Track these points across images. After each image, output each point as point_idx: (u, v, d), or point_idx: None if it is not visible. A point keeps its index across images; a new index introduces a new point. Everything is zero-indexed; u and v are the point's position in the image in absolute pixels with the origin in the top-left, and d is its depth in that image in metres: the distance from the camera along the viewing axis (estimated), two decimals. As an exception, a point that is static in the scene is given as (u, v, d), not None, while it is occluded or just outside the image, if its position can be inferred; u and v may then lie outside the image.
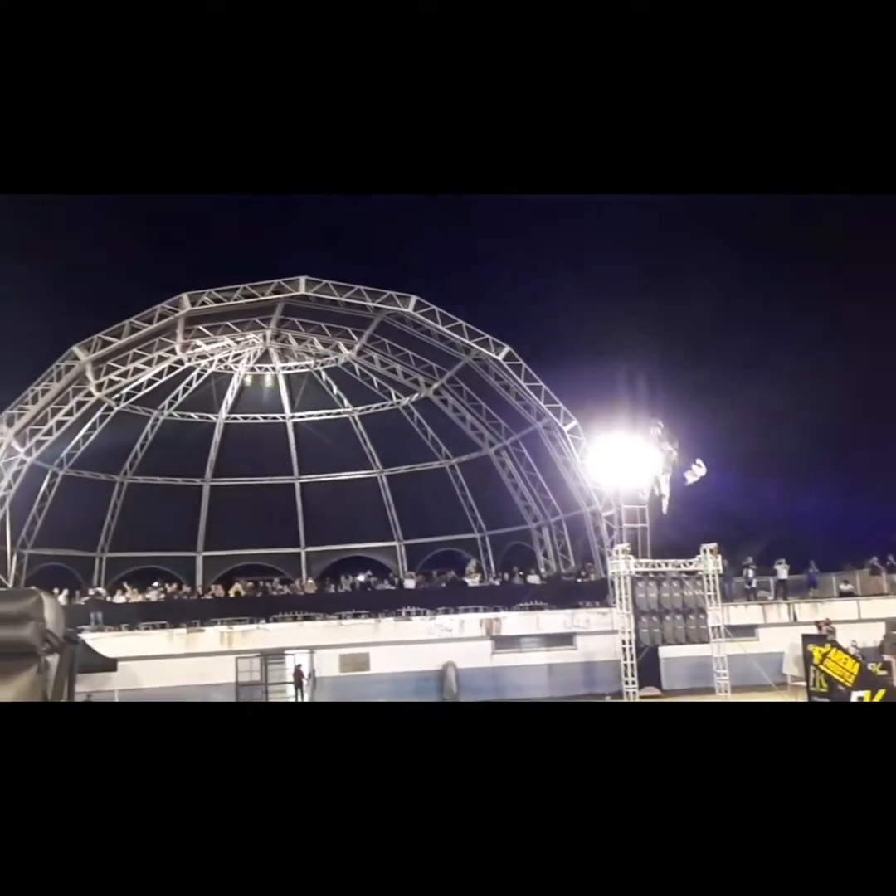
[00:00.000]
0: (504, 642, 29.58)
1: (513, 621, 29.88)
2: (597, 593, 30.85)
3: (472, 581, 34.39)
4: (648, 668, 26.70)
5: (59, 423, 33.16)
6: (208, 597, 34.36)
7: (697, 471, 26.64)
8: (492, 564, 39.50)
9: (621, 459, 28.48)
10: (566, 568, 36.22)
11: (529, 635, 29.78)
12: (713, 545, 26.91)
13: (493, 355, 32.03)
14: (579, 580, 33.53)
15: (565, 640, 29.55)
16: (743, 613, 29.88)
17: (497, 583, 34.82)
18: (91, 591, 33.87)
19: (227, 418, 40.26)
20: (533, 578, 34.28)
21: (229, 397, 39.94)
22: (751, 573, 31.72)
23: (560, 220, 41.36)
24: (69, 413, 33.26)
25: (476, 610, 30.40)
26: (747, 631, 28.79)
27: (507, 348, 31.90)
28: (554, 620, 29.80)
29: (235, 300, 31.33)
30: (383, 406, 39.76)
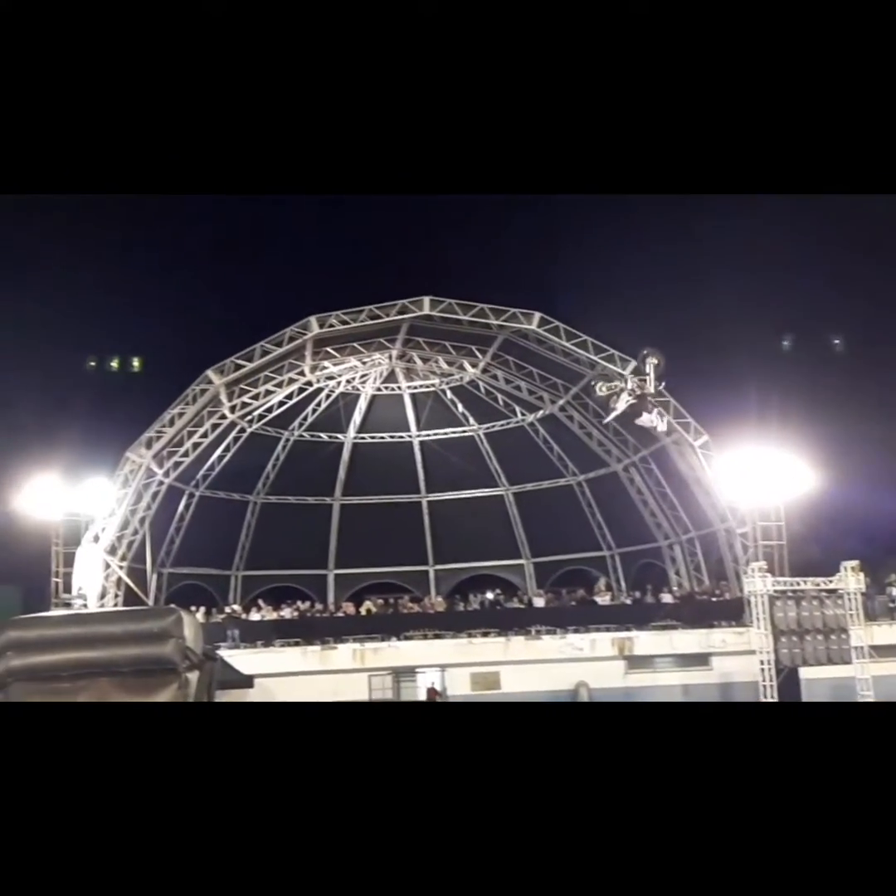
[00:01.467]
0: (637, 662, 29.00)
1: (646, 641, 29.28)
2: (732, 612, 29.99)
3: (603, 599, 33.90)
4: (788, 690, 25.75)
5: (195, 445, 34.15)
6: (340, 614, 34.79)
7: (655, 420, 23.98)
8: (622, 583, 38.84)
9: (755, 474, 27.64)
10: (700, 586, 35.33)
11: (663, 655, 29.14)
12: (855, 562, 25.87)
13: (620, 371, 31.58)
14: (714, 599, 32.68)
15: (701, 660, 28.79)
16: (888, 633, 28.57)
17: (628, 601, 34.24)
18: (227, 609, 34.72)
19: (355, 437, 40.80)
20: (666, 597, 33.56)
21: (357, 417, 40.48)
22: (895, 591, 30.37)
23: (671, 223, 40.46)
24: (204, 435, 34.22)
25: (607, 629, 29.93)
26: (892, 651, 27.53)
27: (633, 363, 31.41)
28: (688, 640, 29.09)
29: (361, 322, 31.76)
30: (508, 423, 39.66)
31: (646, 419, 22.61)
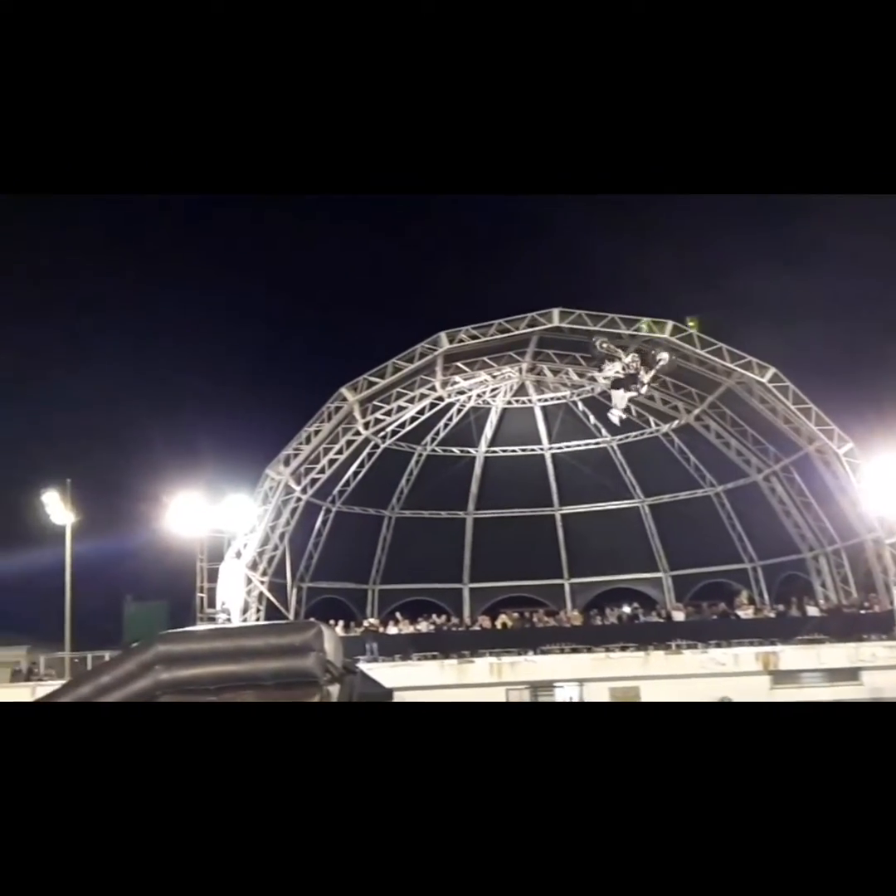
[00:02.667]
0: (783, 677, 28.06)
1: (791, 655, 28.32)
2: (883, 626, 28.76)
3: (745, 613, 32.95)
4: (946, 706, 24.49)
5: (331, 462, 34.77)
6: (476, 628, 34.82)
7: (620, 403, 22.52)
8: (765, 595, 37.68)
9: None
10: (847, 599, 33.97)
11: (810, 670, 28.12)
12: None
13: (758, 378, 30.74)
14: (862, 611, 31.38)
15: (850, 675, 27.66)
16: None
17: (772, 615, 33.20)
18: (365, 623, 35.18)
19: (486, 451, 40.87)
20: (812, 610, 32.40)
21: (488, 431, 40.55)
22: None
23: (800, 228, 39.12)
24: (340, 451, 34.81)
25: (750, 643, 29.08)
26: None
27: (772, 370, 30.54)
28: (836, 654, 28.01)
29: (491, 336, 31.83)
30: (642, 434, 39.06)
31: (617, 396, 21.79)
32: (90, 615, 44.63)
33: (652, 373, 21.31)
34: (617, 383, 21.49)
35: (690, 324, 27.38)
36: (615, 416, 22.78)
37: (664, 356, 21.63)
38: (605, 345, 21.60)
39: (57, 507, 37.93)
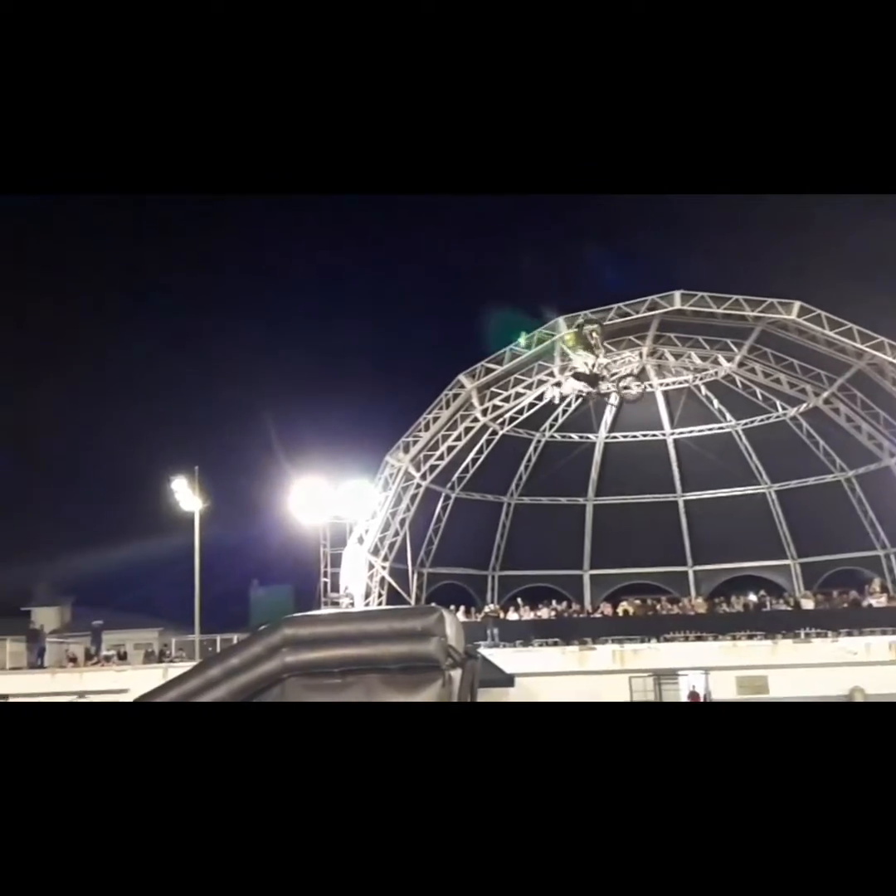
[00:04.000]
0: (919, 668, 27.05)
1: (927, 645, 27.28)
2: None
3: (878, 601, 31.85)
4: None
5: (450, 448, 34.95)
6: (597, 615, 34.57)
7: (556, 391, 21.11)
8: (898, 583, 36.32)
9: None
10: None
11: (948, 660, 27.03)
12: None
13: (891, 359, 29.58)
14: None
15: None
16: None
17: (906, 603, 32.02)
18: (486, 609, 35.30)
19: (606, 437, 40.43)
20: (950, 598, 31.12)
21: (608, 416, 40.08)
22: None
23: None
24: (458, 438, 34.96)
25: (883, 632, 28.08)
26: None
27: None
28: (978, 645, 26.86)
29: (610, 320, 31.44)
30: (768, 418, 38.01)
31: (569, 384, 20.79)
32: (218, 599, 46.01)
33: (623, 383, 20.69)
34: (580, 376, 20.85)
35: (566, 340, 26.22)
36: (553, 392, 21.94)
37: (633, 390, 20.99)
38: (594, 336, 20.92)
39: (185, 495, 39.11)
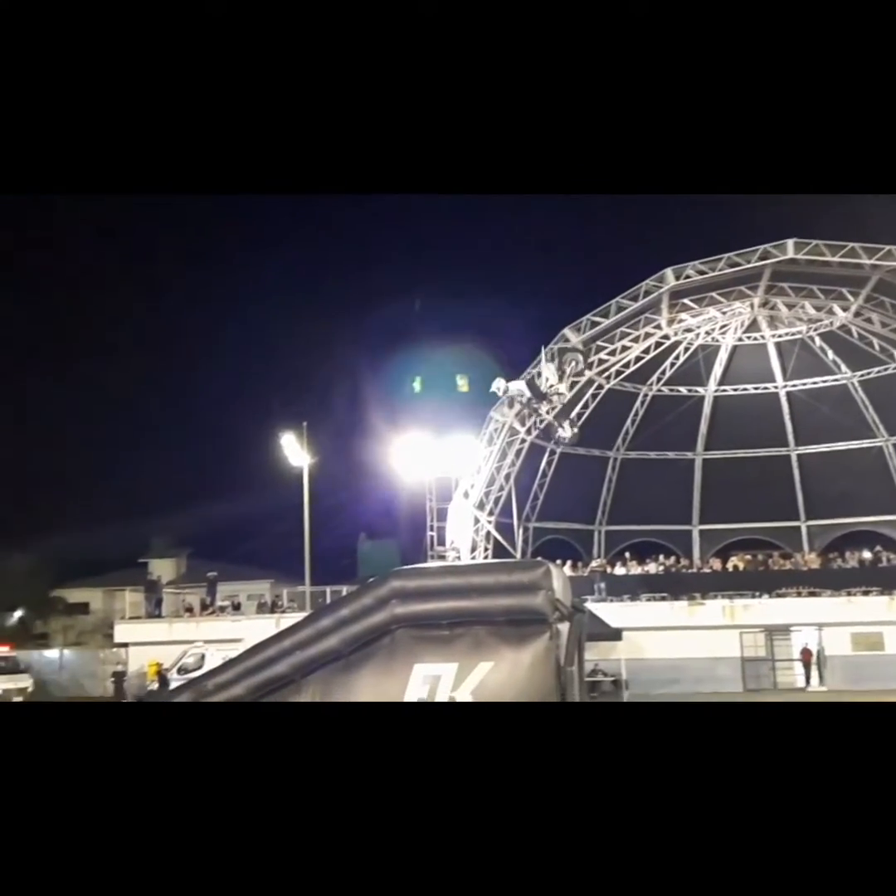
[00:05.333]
0: None
1: None
2: None
3: None
4: None
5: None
6: (707, 570, 34.13)
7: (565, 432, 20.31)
8: None
9: None
10: None
11: None
12: None
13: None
14: None
15: None
16: None
17: None
18: (592, 563, 35.21)
19: (716, 390, 39.62)
20: None
21: (718, 369, 39.24)
22: None
23: None
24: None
25: None
26: None
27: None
28: None
29: (720, 270, 30.66)
30: (885, 369, 36.61)
31: (516, 386, 19.95)
32: (327, 552, 47.02)
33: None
34: (531, 385, 20.33)
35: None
36: (498, 384, 21.29)
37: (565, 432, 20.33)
38: (573, 365, 20.37)
39: (294, 450, 39.82)
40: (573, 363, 20.53)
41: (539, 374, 21.29)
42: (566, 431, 20.72)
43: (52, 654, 43.18)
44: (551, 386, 19.54)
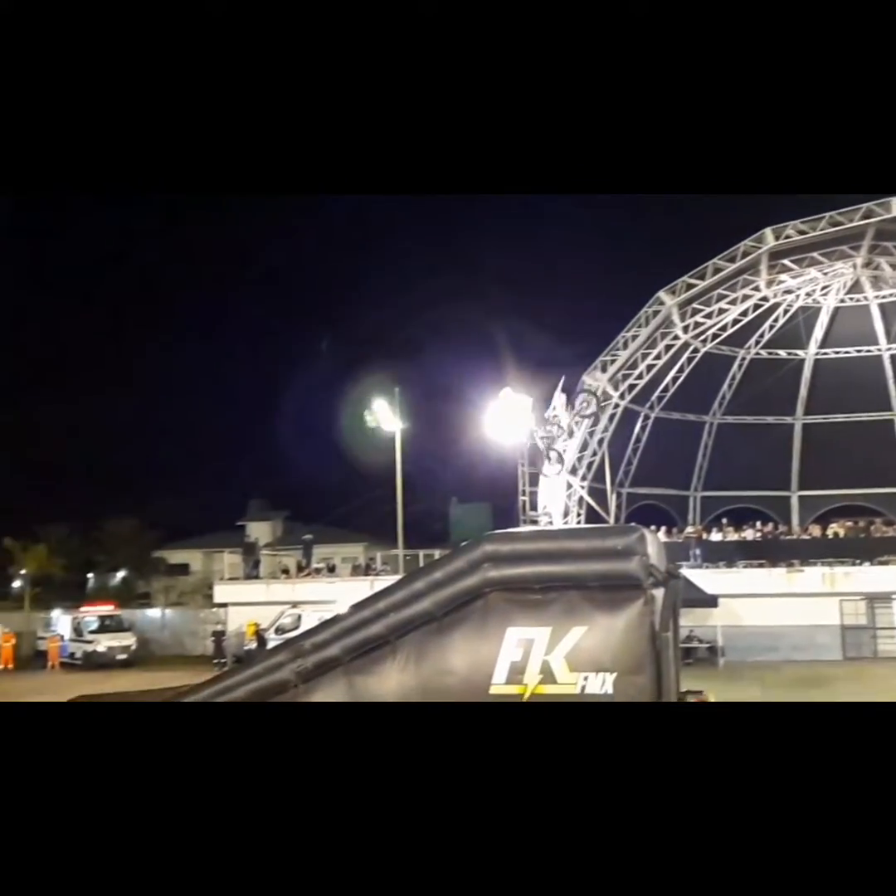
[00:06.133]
0: None
1: None
2: None
3: None
4: None
5: (649, 367, 34.24)
6: (806, 537, 33.45)
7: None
8: None
9: None
10: None
11: None
12: None
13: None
14: None
15: None
16: None
17: None
18: (687, 529, 34.79)
19: (816, 353, 38.57)
20: None
21: (818, 332, 38.17)
22: None
23: None
24: (658, 357, 34.18)
25: None
26: None
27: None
28: None
29: (821, 230, 29.74)
30: None
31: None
32: (419, 516, 47.37)
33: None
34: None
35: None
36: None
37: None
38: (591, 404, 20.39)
39: (386, 415, 40.12)
40: (584, 404, 20.77)
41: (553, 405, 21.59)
42: (552, 463, 21.12)
43: (154, 613, 44.55)
44: (555, 415, 19.97)
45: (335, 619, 15.74)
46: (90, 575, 63.31)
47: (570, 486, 33.52)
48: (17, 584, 55.21)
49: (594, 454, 34.58)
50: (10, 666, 36.07)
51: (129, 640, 36.79)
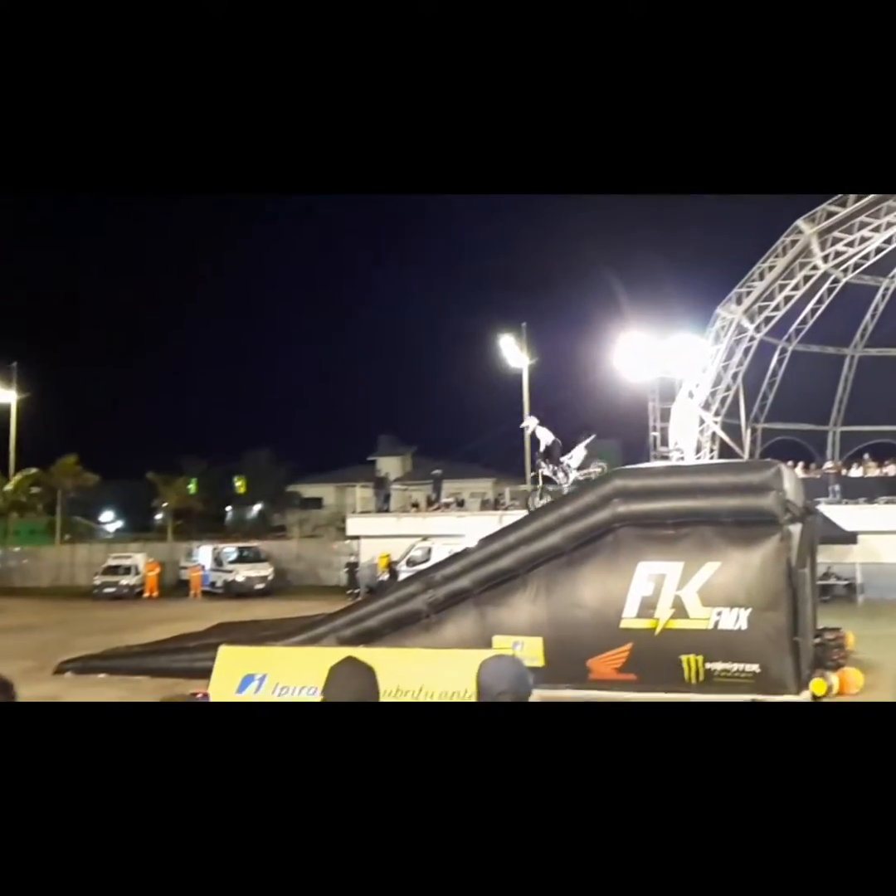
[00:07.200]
0: None
1: None
2: None
3: None
4: None
5: (786, 299, 33.04)
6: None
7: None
8: None
9: None
10: None
11: None
12: None
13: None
14: None
15: None
16: None
17: None
18: (826, 465, 33.81)
19: (969, 281, 36.56)
20: None
21: (973, 258, 36.12)
22: None
23: None
24: (795, 287, 32.94)
25: None
26: None
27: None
28: None
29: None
30: None
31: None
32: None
33: None
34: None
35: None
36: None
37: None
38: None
39: (513, 351, 39.97)
40: (596, 469, 20.65)
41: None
42: (559, 478, 21.08)
43: (289, 545, 45.93)
44: (568, 464, 20.08)
45: (465, 552, 16.03)
46: (228, 508, 65.72)
47: (702, 421, 32.87)
48: (159, 516, 57.77)
49: (728, 388, 33.75)
50: (155, 594, 37.83)
51: (266, 570, 38.11)
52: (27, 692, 3.60)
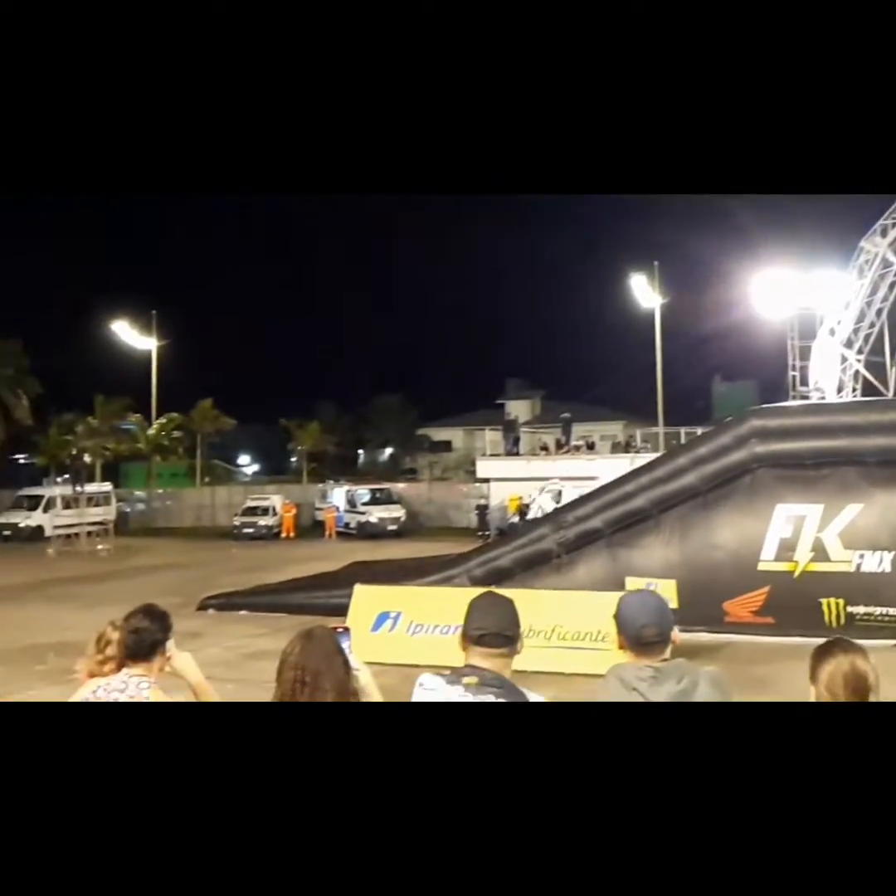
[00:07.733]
0: None
1: None
2: None
3: None
4: None
5: (937, 229, 31.36)
6: None
7: None
8: None
9: None
10: None
11: None
12: None
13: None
14: None
15: None
16: None
17: None
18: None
19: None
20: None
21: None
22: None
23: None
24: (948, 217, 31.20)
25: None
26: None
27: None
28: None
29: None
30: None
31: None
32: (680, 393, 46.48)
33: None
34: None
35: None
36: None
37: None
38: None
39: (645, 291, 39.16)
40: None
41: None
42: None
43: (420, 487, 46.53)
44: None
45: (597, 493, 15.93)
46: (360, 451, 66.93)
47: (844, 359, 31.64)
48: (294, 459, 59.26)
49: (872, 325, 32.32)
50: (292, 534, 38.97)
51: (398, 512, 38.77)
52: (177, 627, 3.78)
